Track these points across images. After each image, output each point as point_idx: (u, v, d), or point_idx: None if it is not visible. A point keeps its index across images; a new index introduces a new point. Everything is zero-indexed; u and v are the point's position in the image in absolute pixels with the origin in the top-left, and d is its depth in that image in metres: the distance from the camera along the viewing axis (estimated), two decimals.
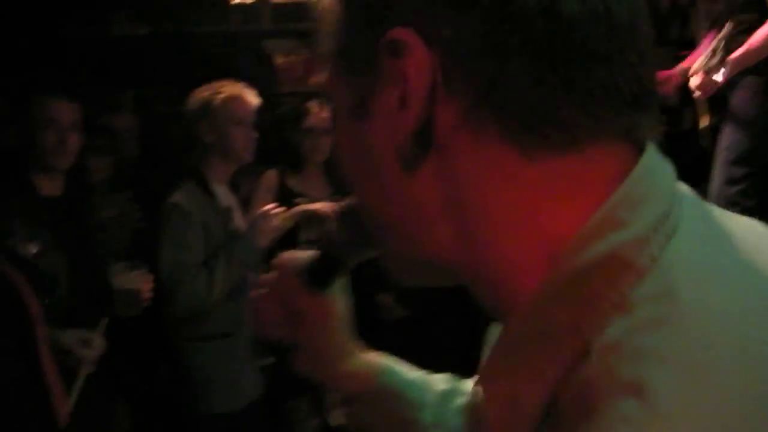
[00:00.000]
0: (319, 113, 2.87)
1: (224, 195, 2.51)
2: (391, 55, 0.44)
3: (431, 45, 0.43)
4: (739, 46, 2.64)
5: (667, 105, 4.52)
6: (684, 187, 0.49)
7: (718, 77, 2.67)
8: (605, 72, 0.43)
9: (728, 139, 2.77)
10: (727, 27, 2.67)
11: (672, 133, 4.39)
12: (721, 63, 2.65)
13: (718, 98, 2.81)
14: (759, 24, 2.58)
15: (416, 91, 0.44)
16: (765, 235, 0.51)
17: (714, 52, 2.67)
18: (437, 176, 0.46)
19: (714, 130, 2.93)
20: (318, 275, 0.75)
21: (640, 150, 0.46)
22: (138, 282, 2.25)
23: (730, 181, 2.74)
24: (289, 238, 2.70)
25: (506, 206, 0.45)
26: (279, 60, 4.08)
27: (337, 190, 2.89)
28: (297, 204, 2.77)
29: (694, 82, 2.77)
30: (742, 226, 0.50)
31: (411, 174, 0.46)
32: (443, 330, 3.01)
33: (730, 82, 2.73)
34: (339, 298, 0.80)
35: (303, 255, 0.78)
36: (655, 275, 0.41)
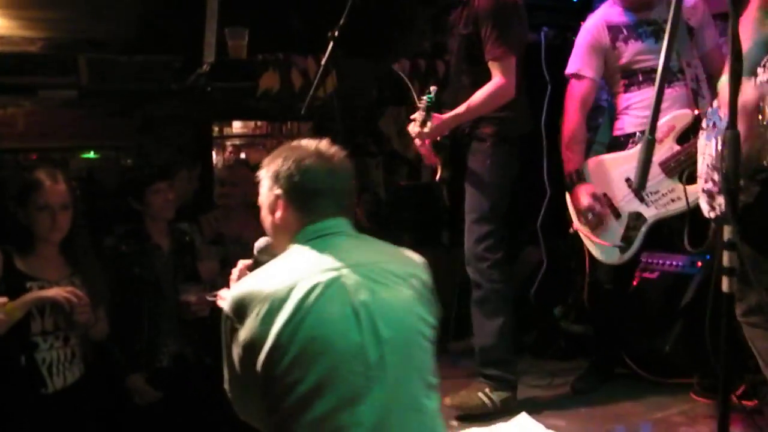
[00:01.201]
0: (53, 187, 2.54)
1: None
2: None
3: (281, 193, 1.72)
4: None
5: (407, 159, 4.87)
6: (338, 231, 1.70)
7: (426, 130, 2.97)
8: (322, 204, 1.71)
9: (470, 202, 3.05)
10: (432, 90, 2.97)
11: (412, 185, 4.74)
12: (428, 118, 2.96)
13: (455, 155, 3.09)
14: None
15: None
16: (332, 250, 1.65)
17: (424, 108, 2.95)
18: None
19: (450, 184, 3.20)
20: None
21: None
22: None
23: (478, 240, 3.02)
24: (18, 332, 2.38)
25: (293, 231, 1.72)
26: None
27: (76, 271, 2.60)
28: (28, 290, 2.46)
29: (412, 130, 3.03)
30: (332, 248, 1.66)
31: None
32: (196, 410, 2.86)
33: (463, 146, 3.03)
34: None
35: None
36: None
